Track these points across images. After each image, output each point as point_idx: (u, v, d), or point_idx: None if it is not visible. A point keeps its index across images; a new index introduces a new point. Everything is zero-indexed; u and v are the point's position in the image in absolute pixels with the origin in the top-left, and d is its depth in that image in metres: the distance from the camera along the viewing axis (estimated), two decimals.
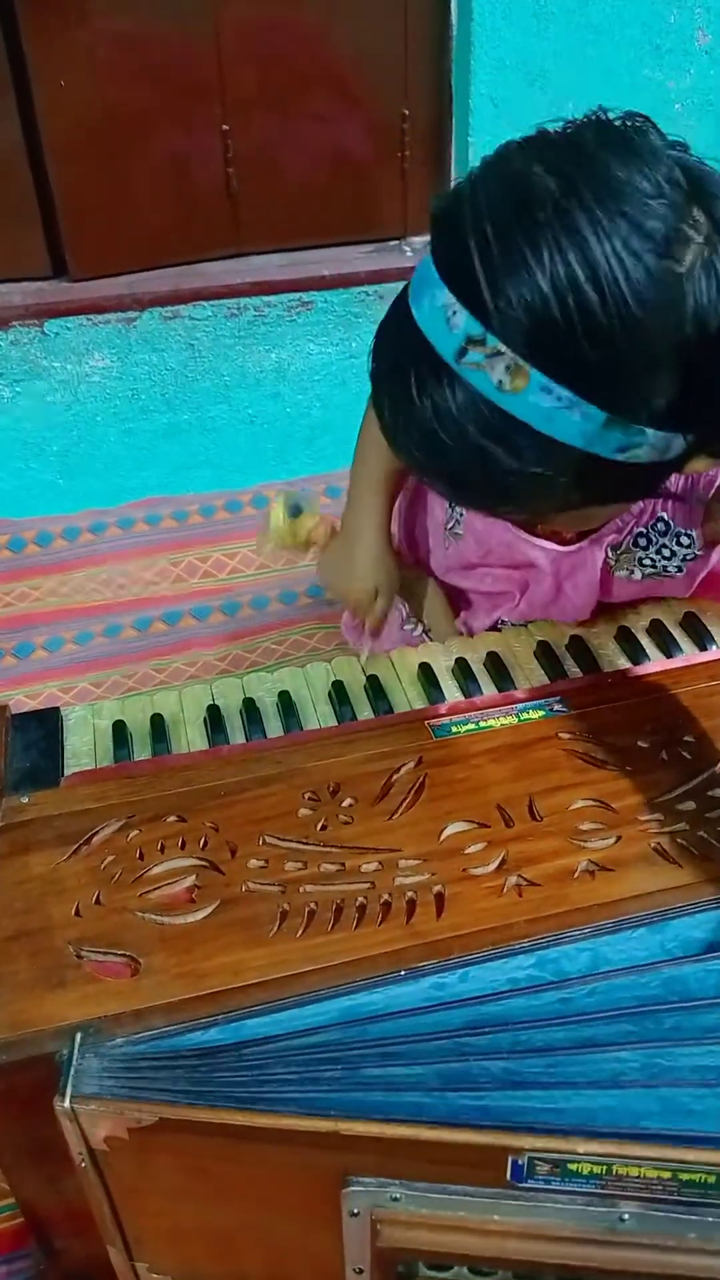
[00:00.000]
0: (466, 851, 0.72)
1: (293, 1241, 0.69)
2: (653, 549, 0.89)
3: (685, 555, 0.89)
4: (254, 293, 1.63)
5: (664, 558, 0.89)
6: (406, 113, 1.62)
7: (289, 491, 1.03)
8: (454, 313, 0.56)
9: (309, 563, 1.09)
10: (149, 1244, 0.70)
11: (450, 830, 0.73)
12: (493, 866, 0.70)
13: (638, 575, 0.91)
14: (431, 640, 1.01)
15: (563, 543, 0.91)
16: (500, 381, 0.56)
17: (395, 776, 0.77)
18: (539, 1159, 0.57)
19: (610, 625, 0.93)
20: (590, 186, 0.54)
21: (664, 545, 0.88)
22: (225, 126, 1.56)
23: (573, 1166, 0.57)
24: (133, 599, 1.61)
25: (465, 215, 0.57)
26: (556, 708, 0.83)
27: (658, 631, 0.91)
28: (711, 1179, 0.57)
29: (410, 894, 0.69)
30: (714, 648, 0.89)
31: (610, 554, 0.90)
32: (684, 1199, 0.58)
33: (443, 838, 0.73)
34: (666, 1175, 0.57)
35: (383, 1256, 0.64)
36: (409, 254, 1.69)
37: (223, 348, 1.67)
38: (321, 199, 1.64)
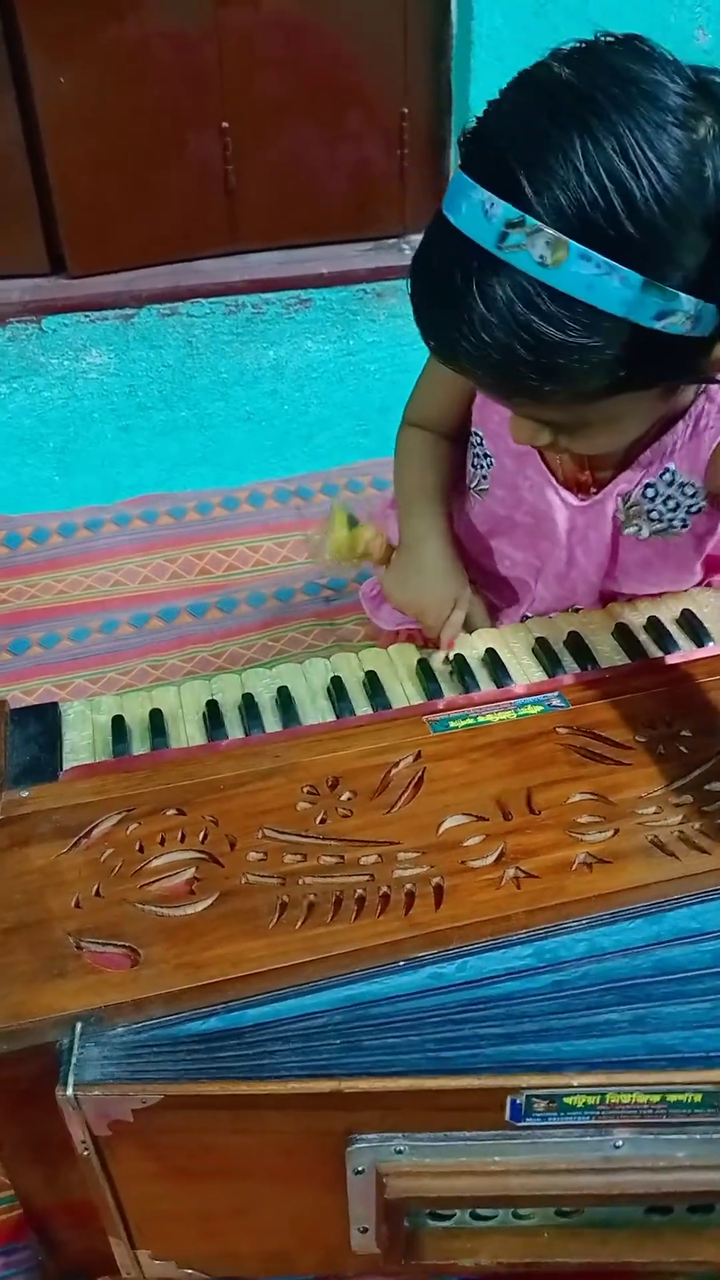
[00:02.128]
0: (465, 844, 0.72)
1: (295, 1215, 0.71)
2: (659, 499, 0.90)
3: (690, 506, 0.90)
4: (252, 290, 1.63)
5: (669, 509, 0.91)
6: (405, 111, 1.62)
7: (344, 502, 1.03)
8: (491, 205, 0.62)
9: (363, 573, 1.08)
10: (151, 1230, 0.71)
11: (448, 823, 0.74)
12: (491, 859, 0.71)
13: (645, 533, 0.92)
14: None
15: (581, 494, 0.93)
16: (542, 257, 0.61)
17: (394, 771, 0.78)
18: (536, 1096, 0.60)
19: (607, 622, 0.94)
20: (610, 77, 0.61)
21: (670, 496, 0.90)
22: (224, 124, 1.56)
23: (568, 1100, 0.60)
24: (129, 595, 1.61)
25: (494, 125, 0.64)
26: (554, 703, 0.83)
27: (654, 628, 0.92)
28: (698, 1098, 0.60)
29: (409, 886, 0.69)
30: (710, 644, 0.89)
31: (620, 507, 0.92)
32: (673, 1120, 0.61)
33: (441, 831, 0.73)
34: (656, 1099, 0.60)
35: (390, 1209, 0.66)
36: (407, 251, 1.69)
37: (220, 345, 1.67)
38: (320, 197, 1.64)
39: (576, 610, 0.98)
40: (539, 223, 0.60)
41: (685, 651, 0.89)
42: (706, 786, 0.75)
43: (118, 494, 1.75)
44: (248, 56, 1.52)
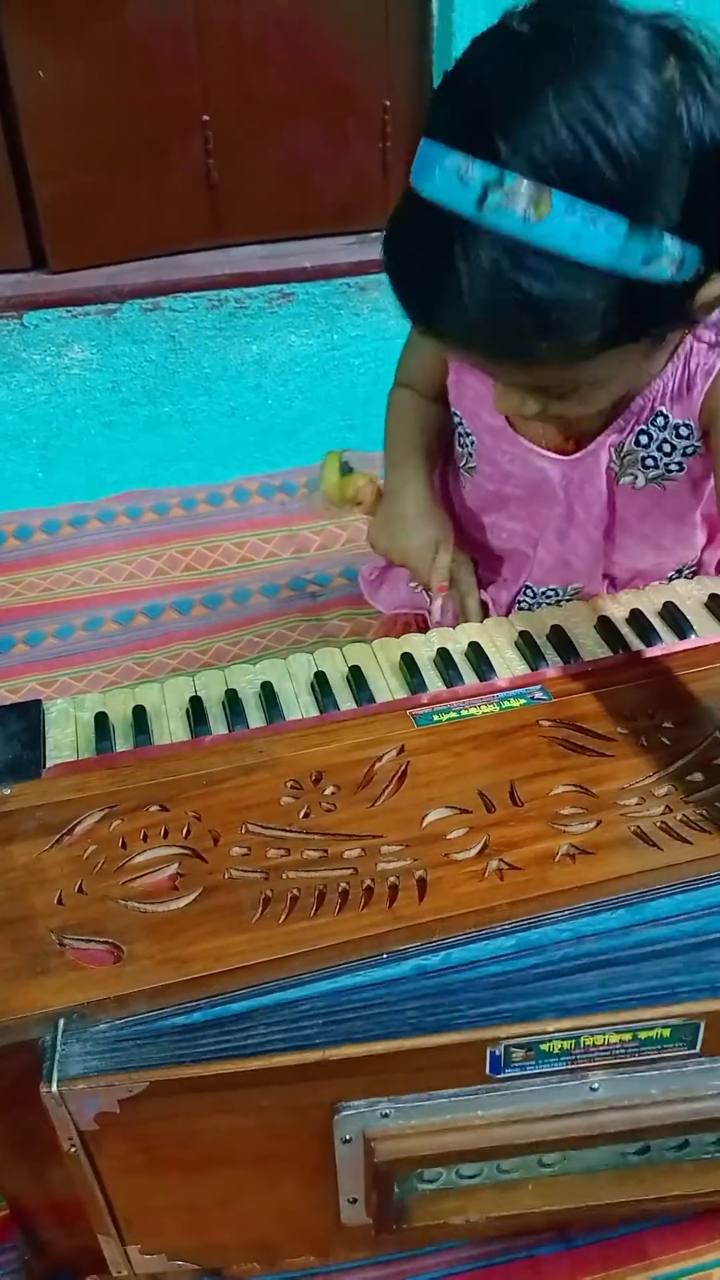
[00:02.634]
0: (448, 837, 0.72)
1: (285, 1202, 0.71)
2: (653, 445, 0.90)
3: (685, 449, 0.90)
4: (235, 284, 1.63)
5: (664, 453, 0.90)
6: (388, 103, 1.62)
7: (341, 450, 1.04)
8: (466, 168, 0.60)
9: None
10: (141, 1225, 0.71)
11: (432, 816, 0.74)
12: (474, 851, 0.71)
13: (641, 481, 0.92)
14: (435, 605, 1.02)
15: (569, 452, 0.93)
16: (525, 212, 0.59)
17: (377, 764, 0.78)
18: (514, 1046, 0.62)
19: (590, 615, 0.94)
20: (573, 26, 0.60)
21: (664, 440, 0.89)
22: (205, 117, 1.56)
23: (545, 1047, 0.62)
24: (114, 592, 1.60)
25: (460, 86, 0.63)
26: (537, 696, 0.83)
27: (637, 621, 0.92)
28: (667, 1033, 0.63)
29: (393, 879, 0.69)
30: (693, 636, 0.90)
31: (614, 459, 0.92)
32: (644, 1057, 0.64)
33: (425, 824, 0.73)
34: (628, 1037, 0.63)
35: (379, 1174, 0.67)
36: None
37: (203, 339, 1.67)
38: (302, 190, 1.64)
39: (574, 592, 0.99)
40: (517, 176, 0.59)
41: (667, 644, 0.89)
42: (689, 777, 0.75)
43: (102, 490, 1.74)
44: (229, 50, 1.51)
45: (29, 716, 0.86)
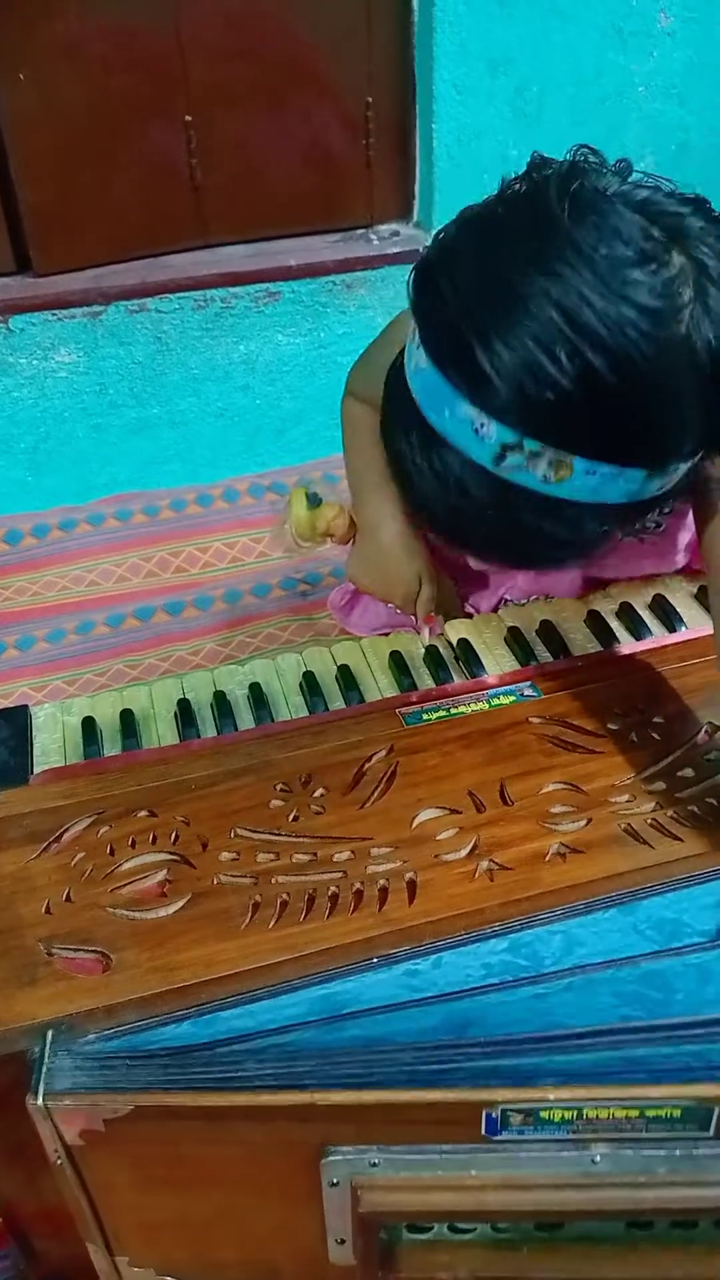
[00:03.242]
0: (438, 838, 0.72)
1: (273, 1224, 0.70)
2: None
3: (663, 508, 0.89)
4: (221, 284, 1.62)
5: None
6: (370, 101, 1.61)
7: (305, 481, 1.01)
8: (481, 424, 0.58)
9: (328, 553, 1.07)
10: (128, 1238, 0.70)
11: (422, 817, 0.73)
12: (464, 852, 0.70)
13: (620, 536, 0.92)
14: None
15: None
16: (545, 476, 0.58)
17: (367, 765, 0.77)
18: (512, 1110, 0.58)
19: (580, 610, 0.93)
20: (572, 264, 0.56)
21: None
22: (188, 117, 1.55)
23: (544, 1114, 0.58)
24: (105, 595, 1.60)
25: (449, 291, 0.59)
26: (527, 693, 0.83)
27: (626, 615, 0.91)
28: (677, 1113, 0.58)
29: (382, 882, 0.69)
30: (682, 629, 0.89)
31: None
32: (652, 1135, 0.59)
33: (414, 825, 0.73)
34: (634, 1114, 0.58)
35: (364, 1223, 0.65)
36: (375, 242, 1.68)
37: (190, 340, 1.66)
38: (286, 189, 1.63)
39: (549, 599, 0.98)
40: (537, 444, 0.57)
41: (657, 637, 0.88)
42: (679, 773, 0.75)
43: (91, 493, 1.74)
44: (209, 49, 1.50)
45: (16, 722, 0.85)
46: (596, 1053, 0.59)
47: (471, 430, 0.58)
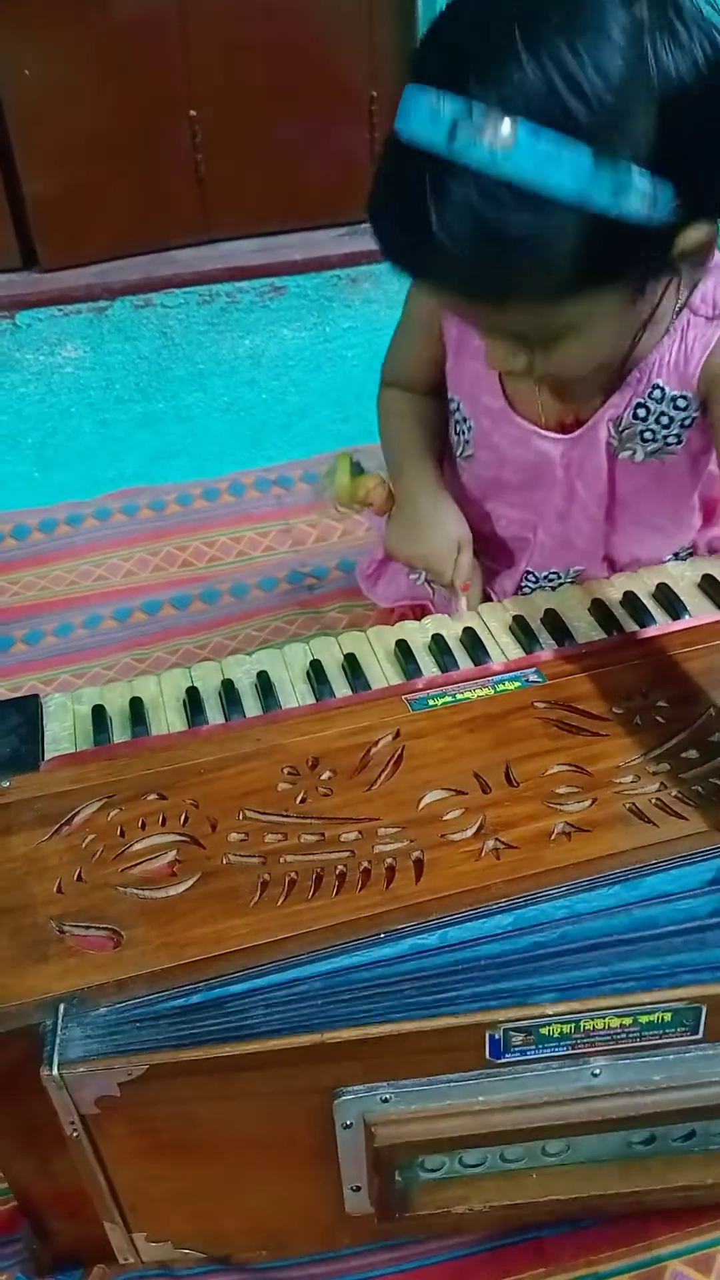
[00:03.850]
0: (444, 818, 0.72)
1: (289, 1189, 0.71)
2: (651, 418, 0.90)
3: (683, 420, 0.90)
4: (226, 279, 1.63)
5: (662, 425, 0.90)
6: (374, 94, 1.62)
7: (349, 450, 1.03)
8: (438, 104, 0.61)
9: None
10: (145, 1211, 0.71)
11: (428, 799, 0.74)
12: (470, 832, 0.71)
13: (640, 455, 0.92)
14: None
15: (568, 430, 0.93)
16: (491, 143, 0.61)
17: (373, 749, 0.78)
18: (514, 1030, 0.61)
19: (584, 598, 0.94)
20: None
21: (662, 413, 0.89)
22: (193, 113, 1.56)
23: (545, 1031, 0.61)
24: (112, 590, 1.60)
25: (438, 32, 0.65)
26: (532, 678, 0.83)
27: (630, 603, 0.92)
28: (669, 1016, 0.62)
29: (389, 860, 0.69)
30: (686, 616, 0.90)
31: (613, 434, 0.92)
32: (646, 1042, 0.63)
33: (421, 806, 0.73)
34: (629, 1022, 0.62)
35: (380, 1159, 0.67)
36: None
37: (196, 335, 1.67)
38: (291, 183, 1.64)
39: (576, 575, 0.99)
40: (484, 108, 0.60)
41: (661, 624, 0.89)
42: (683, 754, 0.75)
43: (98, 488, 1.74)
44: (213, 44, 1.52)
45: (27, 710, 0.86)
46: (590, 969, 0.63)
47: (429, 114, 0.62)
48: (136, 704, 0.87)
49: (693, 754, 0.75)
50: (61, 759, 0.82)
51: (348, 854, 0.70)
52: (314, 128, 1.61)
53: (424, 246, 0.65)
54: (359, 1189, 0.69)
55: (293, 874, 0.69)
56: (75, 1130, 0.63)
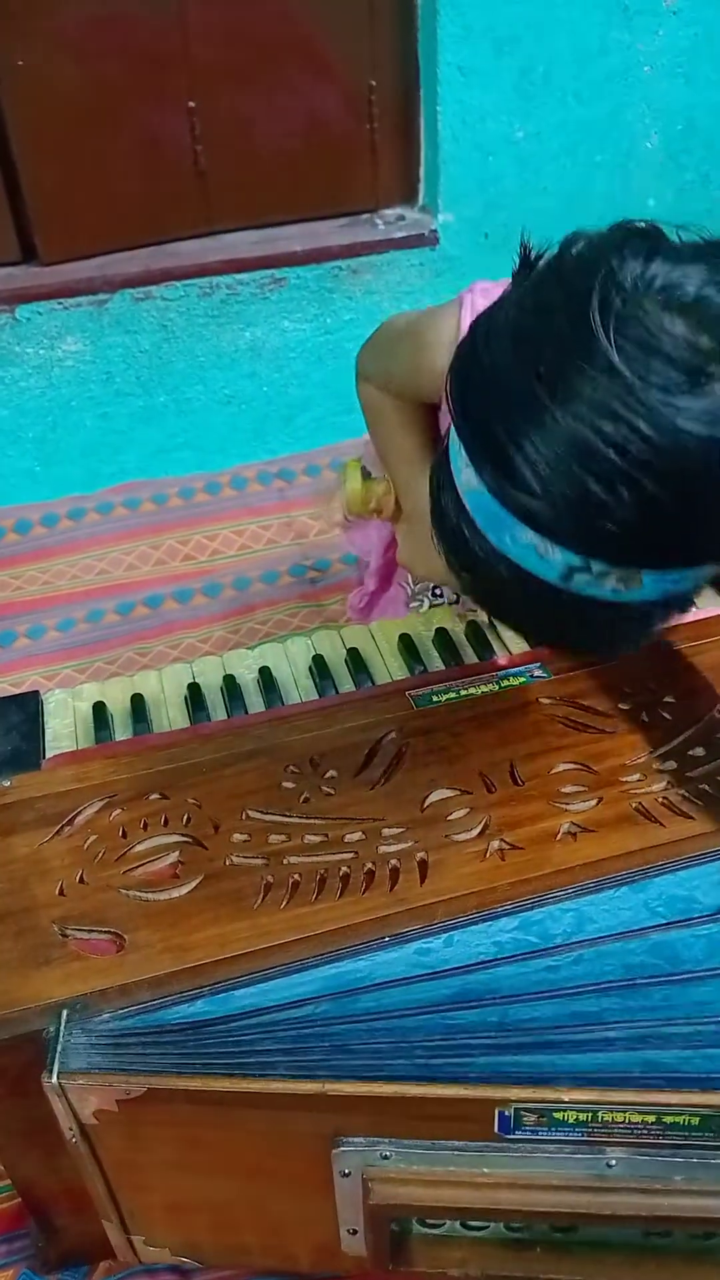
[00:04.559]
0: (449, 818, 0.72)
1: (287, 1208, 0.70)
2: None
3: None
4: (226, 271, 1.61)
5: None
6: (374, 84, 1.60)
7: (356, 457, 1.01)
8: (546, 549, 0.55)
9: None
10: (144, 1217, 0.71)
11: (433, 798, 0.73)
12: (475, 832, 0.70)
13: None
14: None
15: None
16: (615, 589, 0.56)
17: (377, 747, 0.77)
18: (525, 1109, 0.57)
19: None
20: (619, 396, 0.51)
21: None
22: (191, 103, 1.54)
23: (559, 1115, 0.57)
24: (114, 584, 1.60)
25: (498, 437, 0.55)
26: (537, 674, 0.82)
27: None
28: (695, 1120, 0.57)
29: (394, 862, 0.69)
30: (693, 609, 0.89)
31: None
32: (669, 1142, 0.58)
33: (425, 805, 0.73)
34: (651, 1119, 0.57)
35: (375, 1214, 0.65)
36: (380, 226, 1.67)
37: (196, 328, 1.66)
38: (291, 174, 1.62)
39: None
40: (604, 564, 0.55)
41: None
42: (690, 752, 0.75)
43: (99, 482, 1.74)
44: (212, 33, 1.50)
45: (27, 708, 0.86)
46: (614, 1054, 0.58)
47: (535, 553, 0.56)
48: (138, 701, 0.87)
49: (699, 752, 0.75)
50: (63, 757, 0.81)
51: (351, 855, 0.70)
52: (313, 118, 1.59)
53: (546, 630, 0.64)
54: (355, 1233, 0.67)
55: (296, 875, 0.68)
56: (74, 1136, 0.63)
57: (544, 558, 0.56)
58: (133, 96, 1.51)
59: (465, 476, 0.58)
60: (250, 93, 1.55)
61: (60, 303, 1.58)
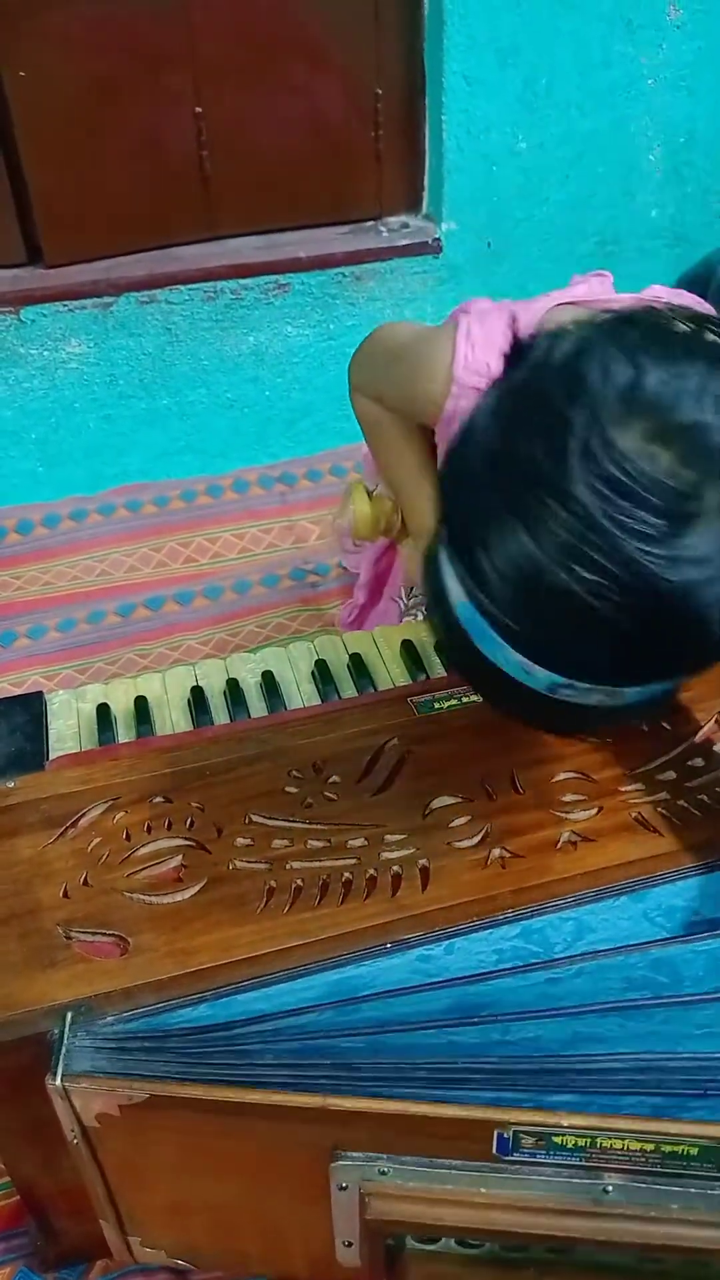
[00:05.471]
0: (450, 825, 0.72)
1: (285, 1216, 0.70)
2: None
3: None
4: (230, 275, 1.62)
5: None
6: (379, 92, 1.61)
7: (358, 478, 1.00)
8: (529, 668, 0.55)
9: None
10: (142, 1219, 0.71)
11: (434, 805, 0.74)
12: (476, 839, 0.71)
13: None
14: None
15: None
16: (600, 701, 0.56)
17: (380, 753, 0.78)
18: (524, 1132, 0.58)
19: None
20: (595, 545, 0.50)
21: None
22: (198, 109, 1.55)
23: (557, 1139, 0.58)
24: (115, 585, 1.61)
25: (485, 572, 0.54)
26: None
27: None
28: (694, 1150, 0.57)
29: (395, 868, 0.69)
30: None
31: None
32: (667, 1170, 0.58)
33: (427, 812, 0.73)
34: (650, 1147, 0.57)
35: (371, 1229, 0.65)
36: (385, 234, 1.68)
37: (200, 332, 1.66)
38: (296, 180, 1.63)
39: None
40: (588, 684, 0.55)
41: None
42: (689, 762, 0.75)
43: (101, 484, 1.74)
44: (218, 40, 1.51)
45: (31, 709, 0.86)
46: (616, 1080, 0.58)
47: (522, 671, 0.56)
48: (141, 703, 0.87)
49: (699, 762, 0.75)
50: (67, 758, 0.82)
51: (354, 861, 0.70)
52: (319, 126, 1.60)
53: (536, 722, 0.65)
54: (350, 1245, 0.67)
55: (299, 881, 0.69)
56: (75, 1138, 0.63)
57: (530, 674, 0.55)
58: (139, 100, 1.52)
59: (455, 593, 0.57)
60: (256, 98, 1.56)
61: (65, 305, 1.59)
